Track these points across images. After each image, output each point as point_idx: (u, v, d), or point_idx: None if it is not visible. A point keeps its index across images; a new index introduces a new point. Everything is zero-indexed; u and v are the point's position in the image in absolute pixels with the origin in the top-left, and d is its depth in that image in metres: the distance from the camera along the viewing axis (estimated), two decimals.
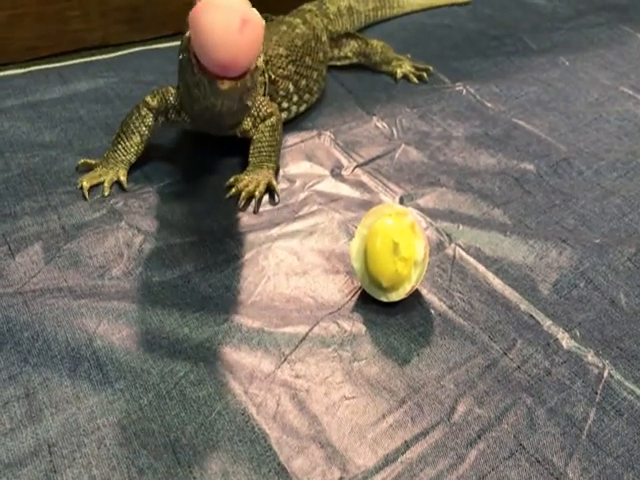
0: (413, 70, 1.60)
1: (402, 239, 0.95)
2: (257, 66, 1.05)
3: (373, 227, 0.98)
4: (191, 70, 1.04)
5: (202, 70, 1.00)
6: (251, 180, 1.19)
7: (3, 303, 0.95)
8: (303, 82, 1.40)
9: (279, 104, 1.35)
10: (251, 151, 1.22)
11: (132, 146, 1.23)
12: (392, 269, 0.95)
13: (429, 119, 1.46)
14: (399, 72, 1.60)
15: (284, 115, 1.38)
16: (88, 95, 1.48)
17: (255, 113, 1.23)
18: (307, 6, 1.64)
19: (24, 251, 1.05)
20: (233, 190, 1.18)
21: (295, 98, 1.40)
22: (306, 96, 1.43)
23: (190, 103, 1.16)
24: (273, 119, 1.24)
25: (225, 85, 0.98)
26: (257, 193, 1.17)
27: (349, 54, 1.62)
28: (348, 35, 1.63)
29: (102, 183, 1.20)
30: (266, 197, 1.20)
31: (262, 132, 1.22)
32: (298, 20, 1.48)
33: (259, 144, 1.22)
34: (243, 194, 1.17)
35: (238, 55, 0.95)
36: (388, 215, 0.99)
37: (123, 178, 1.21)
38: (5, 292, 0.97)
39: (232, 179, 1.19)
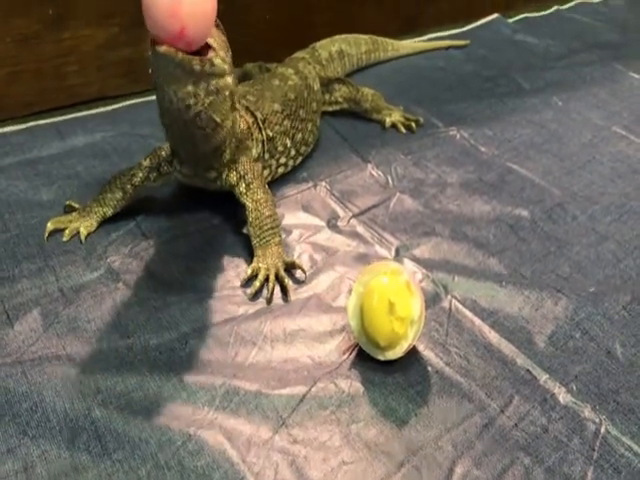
0: (402, 120, 1.61)
1: (398, 298, 0.96)
2: (214, 63, 1.05)
3: (369, 286, 0.99)
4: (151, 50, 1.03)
5: (152, 42, 1.01)
6: (268, 268, 1.14)
7: (2, 374, 0.96)
8: (299, 135, 1.42)
9: (277, 160, 1.37)
10: (252, 232, 1.19)
11: (112, 200, 1.26)
12: (389, 328, 0.96)
13: (423, 166, 1.47)
14: (388, 121, 1.62)
15: (281, 170, 1.40)
16: (85, 150, 1.50)
17: (241, 172, 1.23)
18: (300, 54, 1.66)
19: (23, 318, 1.06)
20: (257, 284, 1.12)
21: (292, 152, 1.41)
22: (303, 148, 1.45)
23: (161, 115, 1.16)
24: (261, 194, 1.21)
25: (162, 48, 0.99)
26: (287, 281, 1.13)
27: (339, 99, 1.64)
28: (339, 80, 1.64)
29: (65, 229, 1.24)
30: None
31: (257, 209, 1.19)
32: (290, 70, 1.50)
33: (258, 221, 1.18)
34: (270, 285, 1.12)
35: (173, 14, 0.96)
36: (384, 273, 0.99)
37: (83, 230, 1.23)
38: (4, 362, 0.98)
39: (249, 271, 1.15)
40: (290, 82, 1.45)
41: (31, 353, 1.00)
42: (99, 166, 1.44)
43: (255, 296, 1.12)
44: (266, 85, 1.42)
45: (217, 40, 1.09)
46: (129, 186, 1.25)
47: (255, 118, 1.31)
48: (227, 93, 1.13)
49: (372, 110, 1.64)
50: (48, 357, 0.99)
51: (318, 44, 1.73)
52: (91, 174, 1.42)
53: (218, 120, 1.14)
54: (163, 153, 1.26)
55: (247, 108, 1.31)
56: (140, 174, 1.25)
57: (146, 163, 1.26)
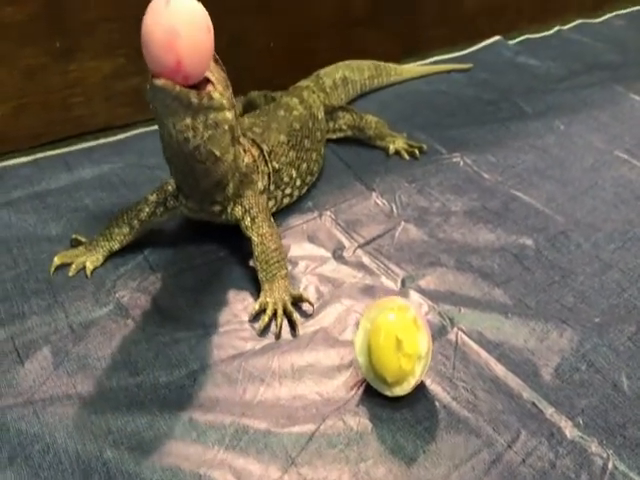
0: (406, 147, 1.62)
1: (405, 335, 0.97)
2: (212, 96, 1.07)
3: (376, 322, 0.99)
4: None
5: (151, 76, 1.01)
6: (275, 302, 1.14)
7: (14, 415, 0.96)
8: (304, 165, 1.43)
9: (283, 191, 1.38)
10: (258, 266, 1.19)
11: (118, 235, 1.27)
12: (396, 365, 0.97)
13: (427, 194, 1.48)
14: (391, 148, 1.63)
15: (286, 200, 1.41)
16: (93, 182, 1.51)
17: (247, 206, 1.24)
18: (304, 82, 1.68)
19: (33, 356, 1.06)
20: (266, 319, 1.13)
21: (298, 182, 1.42)
22: (308, 178, 1.46)
23: (163, 150, 1.16)
24: (266, 228, 1.22)
25: (160, 81, 0.99)
26: (295, 316, 1.14)
27: (343, 127, 1.66)
28: (343, 108, 1.67)
29: (71, 264, 1.24)
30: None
31: (262, 243, 1.20)
32: (295, 100, 1.51)
33: (263, 255, 1.19)
34: (278, 320, 1.13)
35: (169, 48, 0.97)
36: (390, 309, 1.00)
37: (89, 265, 1.24)
38: (16, 402, 0.98)
39: (257, 306, 1.15)
40: (295, 112, 1.46)
41: (42, 392, 1.00)
42: (107, 199, 1.45)
43: (264, 331, 1.12)
44: (272, 116, 1.43)
45: (216, 75, 1.10)
46: (136, 221, 1.26)
47: (261, 150, 1.32)
48: (226, 127, 1.14)
49: (376, 137, 1.65)
50: (59, 397, 1.00)
51: (322, 72, 1.75)
52: (99, 206, 1.43)
53: (218, 154, 1.14)
54: (169, 188, 1.27)
55: (253, 141, 1.32)
56: (147, 209, 1.27)
57: (153, 198, 1.27)
